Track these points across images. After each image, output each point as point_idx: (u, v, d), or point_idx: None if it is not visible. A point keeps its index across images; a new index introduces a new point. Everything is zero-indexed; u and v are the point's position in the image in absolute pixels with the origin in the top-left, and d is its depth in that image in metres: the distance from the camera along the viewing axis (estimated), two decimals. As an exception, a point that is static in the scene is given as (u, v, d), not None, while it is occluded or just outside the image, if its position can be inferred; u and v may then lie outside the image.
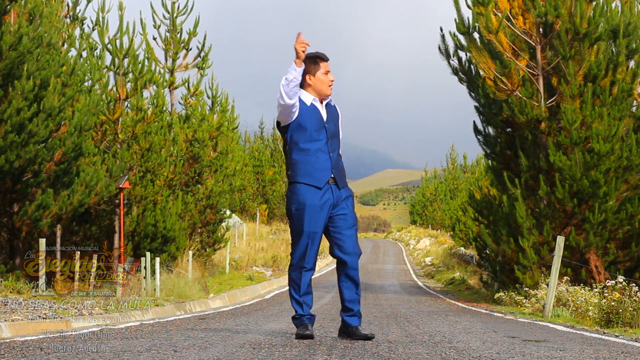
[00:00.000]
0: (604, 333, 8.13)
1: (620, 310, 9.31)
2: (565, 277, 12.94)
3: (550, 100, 15.72)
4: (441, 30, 17.27)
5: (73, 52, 16.11)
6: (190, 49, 23.33)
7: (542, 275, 14.57)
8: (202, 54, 23.38)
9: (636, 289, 9.49)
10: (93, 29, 19.46)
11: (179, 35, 23.09)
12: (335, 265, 5.98)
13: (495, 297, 15.75)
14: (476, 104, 17.59)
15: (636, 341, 6.82)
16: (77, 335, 6.10)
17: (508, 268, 16.14)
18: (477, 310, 13.61)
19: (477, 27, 16.26)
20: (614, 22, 15.15)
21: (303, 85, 5.78)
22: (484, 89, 16.19)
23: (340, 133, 5.93)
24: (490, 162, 18.30)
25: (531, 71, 15.74)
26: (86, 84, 16.23)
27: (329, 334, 6.56)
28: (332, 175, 5.74)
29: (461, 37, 16.83)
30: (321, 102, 5.83)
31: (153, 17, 23.03)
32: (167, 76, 22.52)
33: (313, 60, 5.80)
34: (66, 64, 14.40)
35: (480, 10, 15.55)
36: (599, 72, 15.16)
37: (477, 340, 6.28)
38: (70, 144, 13.98)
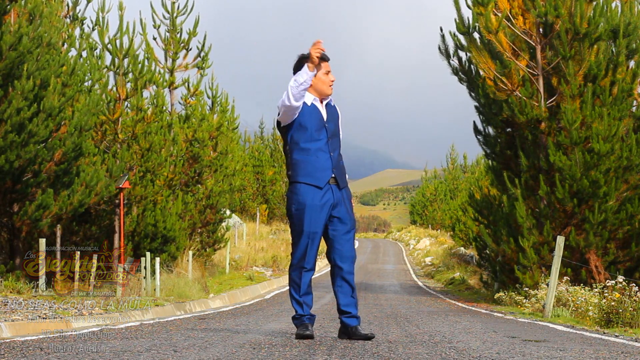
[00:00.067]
0: (604, 333, 8.13)
1: (620, 310, 9.31)
2: (565, 277, 12.94)
3: (550, 100, 15.72)
4: (441, 30, 17.29)
5: (73, 52, 16.12)
6: (190, 49, 23.36)
7: (542, 275, 14.57)
8: (202, 54, 23.39)
9: (636, 289, 9.49)
10: (93, 29, 19.48)
11: (178, 35, 23.10)
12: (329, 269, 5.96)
13: (495, 297, 15.75)
14: (476, 104, 17.60)
15: (636, 341, 6.82)
16: (77, 335, 6.10)
17: (508, 268, 16.14)
18: (477, 310, 13.61)
19: (477, 27, 16.26)
20: (614, 22, 15.15)
21: (303, 84, 5.78)
22: (484, 89, 16.19)
23: (341, 133, 5.93)
24: (490, 162, 18.31)
25: (531, 71, 15.74)
26: (86, 84, 16.24)
27: (329, 334, 6.56)
28: (333, 175, 5.74)
29: (461, 37, 16.83)
30: (321, 102, 5.83)
31: (153, 17, 23.05)
32: (167, 76, 22.52)
33: (314, 60, 5.81)
34: (66, 64, 14.40)
35: (480, 10, 15.55)
36: (599, 72, 15.16)
37: (477, 340, 6.28)
38: (70, 144, 13.98)
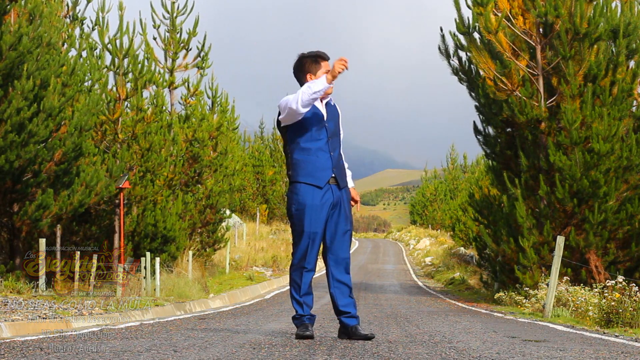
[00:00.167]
0: (604, 333, 8.12)
1: (620, 310, 9.31)
2: (565, 277, 12.94)
3: (550, 100, 15.72)
4: (441, 30, 17.29)
5: (73, 52, 16.13)
6: (190, 49, 23.36)
7: (542, 275, 14.57)
8: (202, 54, 23.40)
9: (636, 289, 9.48)
10: (93, 29, 19.49)
11: (178, 35, 23.10)
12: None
13: (495, 297, 15.75)
14: (476, 104, 17.60)
15: (636, 341, 6.82)
16: (77, 335, 6.10)
17: (508, 268, 16.14)
18: (477, 310, 13.62)
19: (477, 27, 16.26)
20: (614, 22, 15.15)
21: (304, 84, 5.78)
22: (484, 89, 16.19)
23: (341, 132, 5.93)
24: (490, 162, 18.31)
25: (531, 71, 15.74)
26: (86, 84, 16.24)
27: (329, 334, 6.55)
28: (333, 175, 5.74)
29: (461, 37, 16.83)
30: (321, 101, 5.83)
31: (153, 17, 23.05)
32: (167, 76, 22.53)
33: (314, 60, 5.80)
34: (66, 64, 14.40)
35: (480, 10, 15.55)
36: (599, 72, 15.16)
37: (477, 340, 6.28)
38: (70, 144, 13.98)
